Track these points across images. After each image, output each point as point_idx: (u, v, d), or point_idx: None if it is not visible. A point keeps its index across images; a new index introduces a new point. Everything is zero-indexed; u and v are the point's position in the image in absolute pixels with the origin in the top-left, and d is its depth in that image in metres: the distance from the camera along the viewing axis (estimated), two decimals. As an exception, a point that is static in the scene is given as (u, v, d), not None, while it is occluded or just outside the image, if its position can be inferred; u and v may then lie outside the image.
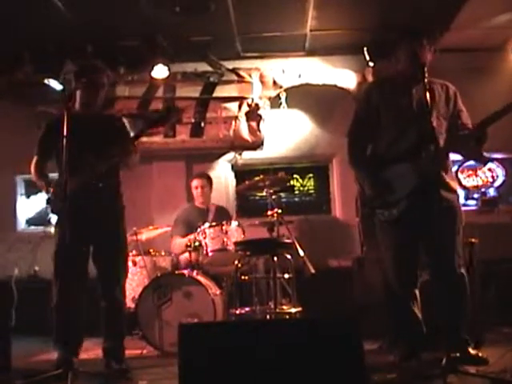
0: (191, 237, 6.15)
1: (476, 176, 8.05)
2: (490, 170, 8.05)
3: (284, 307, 5.55)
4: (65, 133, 4.01)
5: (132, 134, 4.54)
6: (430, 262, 4.15)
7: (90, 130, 4.11)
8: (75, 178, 4.14)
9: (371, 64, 7.54)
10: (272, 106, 8.05)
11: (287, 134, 8.26)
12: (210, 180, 7.09)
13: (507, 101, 3.68)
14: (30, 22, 6.61)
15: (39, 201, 7.04)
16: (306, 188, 8.62)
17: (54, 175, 4.62)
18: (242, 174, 8.36)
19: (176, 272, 5.88)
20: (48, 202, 4.44)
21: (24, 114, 6.82)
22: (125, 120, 4.87)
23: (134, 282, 6.13)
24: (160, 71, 7.46)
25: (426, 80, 3.84)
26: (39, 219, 4.60)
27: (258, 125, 7.99)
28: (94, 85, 4.44)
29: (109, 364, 4.39)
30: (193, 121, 7.97)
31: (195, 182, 6.99)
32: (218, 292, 5.70)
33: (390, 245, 4.22)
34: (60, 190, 4.31)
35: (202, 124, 7.96)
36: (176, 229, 6.75)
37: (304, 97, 8.05)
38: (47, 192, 4.47)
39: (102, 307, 4.48)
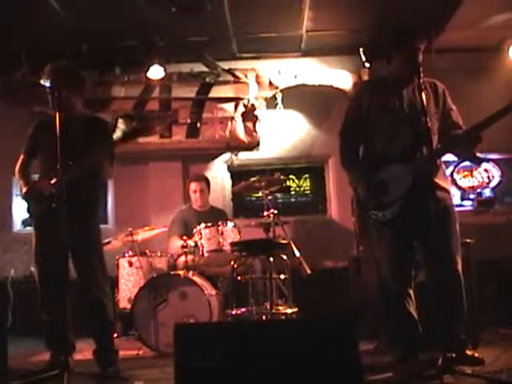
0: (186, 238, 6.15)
1: (472, 177, 8.06)
2: (485, 170, 8.06)
3: (280, 308, 5.55)
4: (58, 134, 4.01)
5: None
6: (427, 262, 4.15)
7: (69, 133, 4.07)
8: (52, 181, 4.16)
9: (367, 65, 7.55)
10: (268, 107, 8.06)
11: (283, 134, 8.27)
12: (208, 182, 7.04)
13: (504, 101, 3.69)
14: (26, 22, 6.60)
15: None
16: (302, 188, 8.62)
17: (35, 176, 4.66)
18: (238, 174, 8.35)
19: (172, 273, 5.87)
20: (28, 208, 4.48)
21: (21, 115, 6.82)
22: (107, 122, 4.86)
23: (130, 282, 6.13)
24: (156, 72, 7.47)
25: (421, 81, 3.85)
26: (29, 220, 4.60)
27: (254, 125, 8.00)
28: (60, 87, 4.31)
29: (99, 367, 4.39)
30: (189, 121, 7.97)
31: (193, 186, 6.93)
32: (214, 292, 5.70)
33: (384, 245, 4.22)
34: (34, 193, 4.38)
35: (198, 124, 7.96)
36: (173, 230, 6.73)
37: (300, 97, 8.06)
38: (23, 196, 4.52)
39: (84, 309, 4.49)
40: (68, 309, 4.38)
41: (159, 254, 6.31)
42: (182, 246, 6.00)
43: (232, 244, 5.76)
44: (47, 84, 4.44)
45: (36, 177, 4.63)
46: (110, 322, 4.60)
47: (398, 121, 4.17)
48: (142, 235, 6.42)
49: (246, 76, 7.99)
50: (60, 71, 4.47)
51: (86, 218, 4.55)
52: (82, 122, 4.50)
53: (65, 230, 3.92)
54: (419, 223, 3.94)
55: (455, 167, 7.95)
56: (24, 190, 4.51)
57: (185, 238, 6.09)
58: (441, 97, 4.30)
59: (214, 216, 6.64)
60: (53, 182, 4.19)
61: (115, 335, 6.02)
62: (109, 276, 4.73)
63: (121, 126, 7.73)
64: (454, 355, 3.58)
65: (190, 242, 5.99)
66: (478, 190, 8.05)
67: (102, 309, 4.49)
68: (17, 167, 4.65)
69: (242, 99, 7.99)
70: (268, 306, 5.40)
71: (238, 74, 8.01)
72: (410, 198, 4.01)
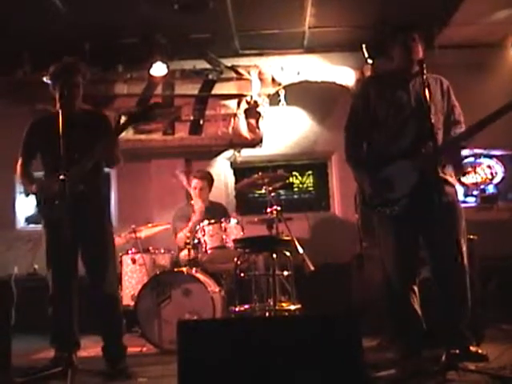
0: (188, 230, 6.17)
1: (475, 173, 8.05)
2: (489, 166, 8.05)
3: (283, 304, 5.55)
4: (61, 132, 4.00)
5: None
6: (432, 258, 4.14)
7: (71, 129, 4.06)
8: (57, 181, 4.14)
9: (370, 61, 7.54)
10: (271, 104, 8.06)
11: (286, 131, 8.26)
12: (210, 180, 6.96)
13: (506, 97, 3.69)
14: (28, 21, 6.62)
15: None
16: (305, 185, 8.62)
17: (38, 174, 4.63)
18: (241, 171, 8.35)
19: (175, 270, 5.87)
20: (37, 204, 4.48)
21: (23, 112, 6.82)
22: (107, 116, 4.83)
23: (134, 279, 6.14)
24: (159, 69, 7.47)
25: (424, 76, 3.85)
26: (38, 217, 4.61)
27: (257, 122, 8.00)
28: (70, 86, 4.37)
29: (107, 363, 4.40)
30: (192, 118, 7.99)
31: (194, 183, 6.89)
32: (217, 289, 5.70)
33: (390, 241, 4.21)
34: (46, 192, 4.35)
35: (201, 121, 7.97)
36: (177, 224, 6.71)
37: (303, 94, 8.06)
38: (32, 193, 4.51)
39: (94, 306, 4.50)
40: (74, 306, 4.40)
41: (162, 251, 6.31)
42: (185, 243, 6.02)
43: (235, 241, 5.76)
44: (52, 81, 4.48)
45: (39, 174, 4.62)
46: (121, 318, 4.62)
47: (405, 115, 4.17)
48: (145, 232, 6.43)
49: (248, 73, 7.99)
50: (67, 68, 4.48)
51: (99, 215, 4.57)
52: (83, 116, 4.50)
53: (72, 227, 3.92)
54: (425, 218, 3.93)
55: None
56: (33, 189, 4.50)
57: (188, 234, 6.09)
58: (446, 92, 4.31)
59: (212, 211, 6.63)
60: (61, 178, 4.17)
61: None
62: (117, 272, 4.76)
63: (124, 123, 7.74)
64: (457, 351, 3.58)
65: (193, 238, 6.01)
66: (482, 187, 8.04)
67: (114, 304, 4.54)
68: (18, 171, 4.62)
69: (244, 96, 8.00)
70: (271, 303, 5.39)
71: (240, 70, 8.01)
72: (416, 193, 4.01)
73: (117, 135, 4.47)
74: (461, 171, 4.36)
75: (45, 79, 4.54)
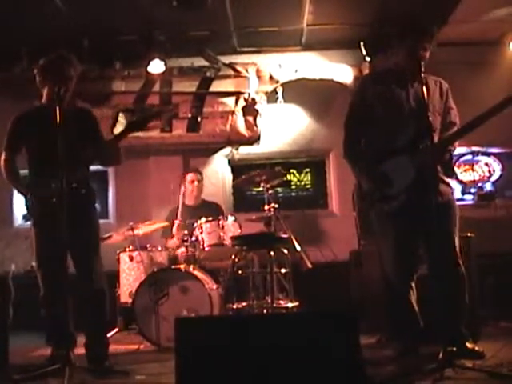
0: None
1: (473, 171, 8.05)
2: (486, 164, 8.05)
3: (281, 302, 5.56)
4: (59, 129, 3.95)
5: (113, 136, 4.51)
6: (429, 255, 4.16)
7: (60, 126, 3.99)
8: (50, 180, 4.14)
9: (368, 59, 7.53)
10: (269, 101, 8.04)
11: (284, 128, 8.26)
12: (202, 175, 7.14)
13: (504, 94, 3.68)
14: (26, 17, 6.59)
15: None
16: (302, 183, 8.63)
17: (24, 172, 4.57)
18: (238, 168, 8.36)
19: (172, 267, 5.87)
20: (26, 204, 4.43)
21: (21, 109, 6.81)
22: (94, 113, 4.73)
23: (131, 277, 6.13)
24: (156, 66, 7.45)
25: (422, 75, 3.85)
26: (28, 216, 4.56)
27: (255, 120, 7.99)
28: (61, 78, 4.30)
29: (89, 362, 4.34)
30: (189, 116, 7.97)
31: (191, 176, 6.94)
32: (215, 287, 5.70)
33: (389, 237, 4.22)
34: (38, 192, 4.30)
35: (199, 119, 7.96)
36: (166, 232, 6.78)
37: (301, 91, 8.05)
38: (21, 193, 4.46)
39: (82, 300, 4.46)
40: (69, 304, 4.38)
41: (160, 249, 6.30)
42: (183, 240, 6.02)
43: (233, 238, 5.76)
44: (42, 75, 4.44)
45: (24, 172, 4.57)
46: (106, 313, 4.56)
47: (404, 114, 4.17)
48: (142, 229, 6.41)
49: (246, 70, 7.98)
50: (59, 60, 4.42)
51: (87, 211, 4.54)
52: (71, 113, 4.37)
53: (65, 225, 3.89)
54: (422, 216, 3.93)
55: (456, 161, 7.94)
56: (22, 189, 4.46)
57: (185, 232, 6.09)
58: (444, 94, 4.32)
59: (206, 210, 6.63)
60: (53, 179, 4.12)
61: (116, 330, 6.07)
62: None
63: (121, 120, 7.74)
64: (454, 349, 3.58)
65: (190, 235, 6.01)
66: (479, 184, 8.04)
67: (102, 299, 4.49)
68: (2, 167, 4.51)
69: (242, 93, 7.98)
70: (269, 300, 5.41)
71: (238, 68, 8.00)
72: (414, 190, 4.01)
73: (117, 141, 4.43)
74: (450, 171, 4.35)
75: (36, 75, 4.48)
